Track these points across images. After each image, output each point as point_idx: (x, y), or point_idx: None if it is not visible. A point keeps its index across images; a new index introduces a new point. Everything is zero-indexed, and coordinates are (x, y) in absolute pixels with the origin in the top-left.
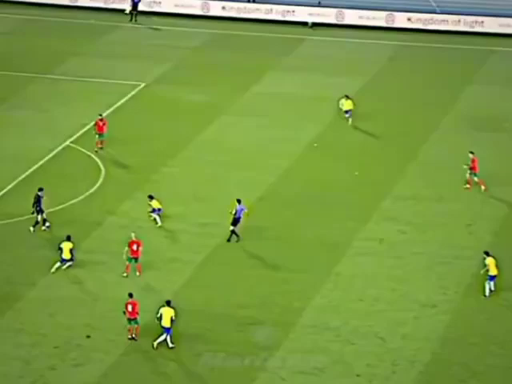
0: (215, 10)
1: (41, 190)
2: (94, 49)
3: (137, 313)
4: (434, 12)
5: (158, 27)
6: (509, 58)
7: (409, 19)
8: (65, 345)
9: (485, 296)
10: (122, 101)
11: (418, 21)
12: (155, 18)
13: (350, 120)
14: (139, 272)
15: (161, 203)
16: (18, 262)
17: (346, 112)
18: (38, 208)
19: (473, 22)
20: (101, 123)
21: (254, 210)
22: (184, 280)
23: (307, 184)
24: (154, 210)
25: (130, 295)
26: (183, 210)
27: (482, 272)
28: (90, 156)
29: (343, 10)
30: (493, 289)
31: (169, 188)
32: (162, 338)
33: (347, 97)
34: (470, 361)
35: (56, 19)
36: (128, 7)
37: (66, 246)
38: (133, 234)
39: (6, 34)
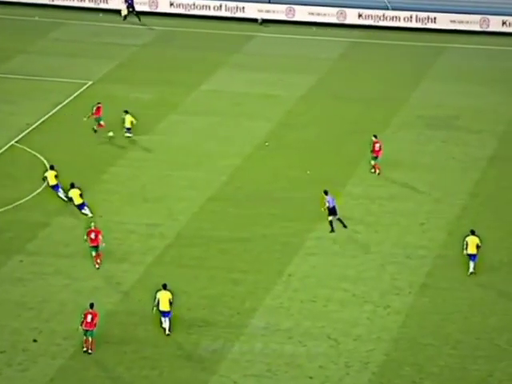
0: (164, 7)
1: None
2: (39, 46)
3: (95, 324)
4: (386, 8)
5: (105, 24)
6: (460, 54)
7: (360, 15)
8: (11, 349)
9: (469, 274)
10: (68, 100)
11: (369, 17)
12: (102, 15)
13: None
14: (98, 263)
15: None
16: None
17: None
18: None
19: (425, 18)
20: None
21: (204, 210)
22: (133, 281)
23: (258, 183)
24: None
25: (91, 305)
26: (132, 211)
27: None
28: (35, 156)
29: (293, 7)
30: (472, 270)
31: (118, 188)
32: (167, 323)
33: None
34: (423, 361)
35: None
36: (124, 10)
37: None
38: (92, 224)
39: None
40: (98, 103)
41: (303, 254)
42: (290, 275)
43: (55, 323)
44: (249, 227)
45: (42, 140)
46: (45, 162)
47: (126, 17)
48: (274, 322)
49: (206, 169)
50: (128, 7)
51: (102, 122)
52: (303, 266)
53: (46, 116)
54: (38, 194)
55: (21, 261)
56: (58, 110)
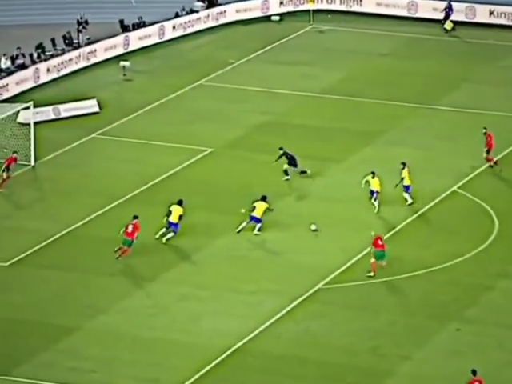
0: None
1: None
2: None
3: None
4: None
5: None
6: None
7: None
8: None
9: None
10: None
11: None
12: None
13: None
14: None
15: None
16: None
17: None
18: None
19: None
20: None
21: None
22: None
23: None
24: None
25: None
26: None
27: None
28: (478, 204)
29: None
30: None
31: None
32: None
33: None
34: None
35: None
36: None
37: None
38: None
39: (387, 56)
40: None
41: None
42: None
43: None
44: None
45: (485, 185)
46: (490, 211)
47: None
48: None
49: None
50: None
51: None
52: None
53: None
54: (481, 250)
55: (458, 329)
56: None
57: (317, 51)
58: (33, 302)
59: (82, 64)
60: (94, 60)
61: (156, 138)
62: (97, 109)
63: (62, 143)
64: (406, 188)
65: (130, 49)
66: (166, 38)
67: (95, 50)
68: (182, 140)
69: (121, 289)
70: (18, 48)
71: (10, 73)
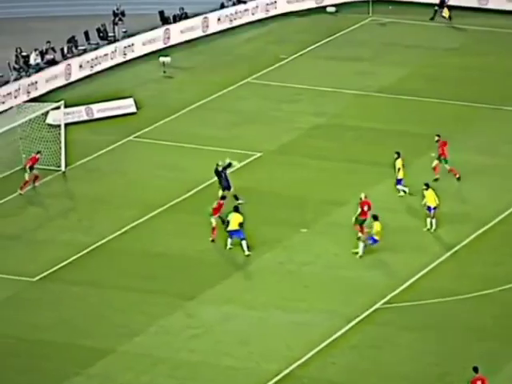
0: None
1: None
2: None
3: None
4: None
5: None
6: None
7: None
8: None
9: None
10: None
11: None
12: None
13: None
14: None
15: None
16: None
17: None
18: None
19: None
20: None
21: None
22: None
23: None
24: None
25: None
26: None
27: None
28: None
29: None
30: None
31: None
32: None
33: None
34: None
35: None
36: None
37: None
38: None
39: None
40: None
41: None
42: None
43: None
44: None
45: None
46: None
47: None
48: None
49: None
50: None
51: None
52: None
53: None
54: None
55: None
56: None
57: (376, 46)
58: (62, 322)
59: (118, 60)
60: (131, 55)
61: (198, 141)
62: (134, 109)
63: (95, 147)
64: (398, 181)
65: (171, 43)
66: (210, 31)
67: (132, 45)
68: (226, 144)
69: (159, 307)
70: (48, 42)
71: (39, 69)
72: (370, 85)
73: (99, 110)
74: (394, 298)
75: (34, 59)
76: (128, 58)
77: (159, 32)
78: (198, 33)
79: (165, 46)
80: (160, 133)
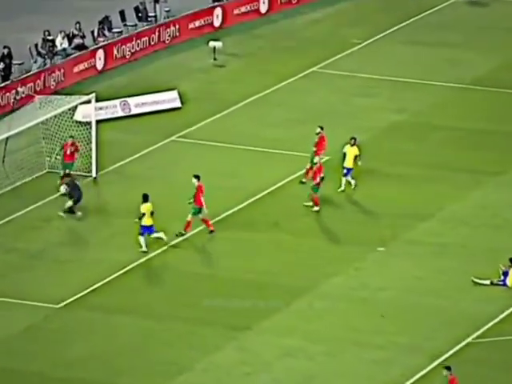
0: None
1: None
2: None
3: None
4: None
5: None
6: None
7: None
8: None
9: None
10: None
11: None
12: None
13: None
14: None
15: None
16: None
17: None
18: None
19: None
20: None
21: None
22: None
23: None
24: None
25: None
26: None
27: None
28: None
29: None
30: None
31: None
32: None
33: None
34: None
35: None
36: None
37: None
38: None
39: None
40: None
41: None
42: None
43: None
44: None
45: None
46: None
47: None
48: None
49: None
50: None
51: None
52: None
53: None
54: None
55: None
56: None
57: (468, 29)
58: (93, 357)
59: (160, 45)
60: (175, 40)
61: (255, 142)
62: (178, 103)
63: (132, 148)
64: (347, 171)
65: (223, 26)
66: (271, 11)
67: (177, 27)
68: (288, 145)
69: (208, 339)
70: (77, 23)
71: (66, 56)
72: (461, 76)
73: (137, 104)
74: (489, 331)
75: (60, 43)
76: (171, 43)
77: (209, 13)
78: (256, 14)
79: (216, 29)
80: (209, 132)
